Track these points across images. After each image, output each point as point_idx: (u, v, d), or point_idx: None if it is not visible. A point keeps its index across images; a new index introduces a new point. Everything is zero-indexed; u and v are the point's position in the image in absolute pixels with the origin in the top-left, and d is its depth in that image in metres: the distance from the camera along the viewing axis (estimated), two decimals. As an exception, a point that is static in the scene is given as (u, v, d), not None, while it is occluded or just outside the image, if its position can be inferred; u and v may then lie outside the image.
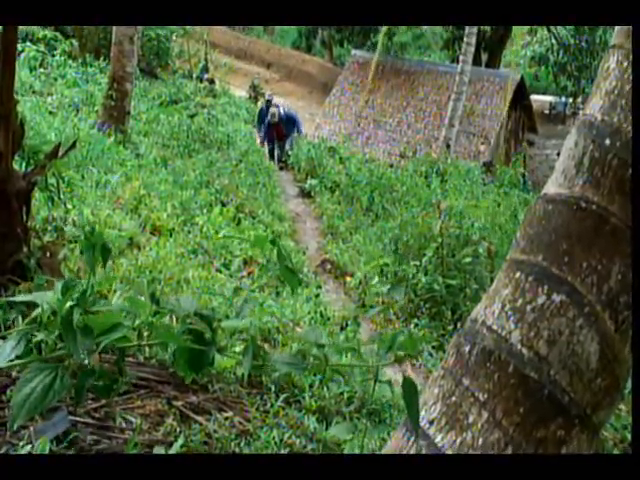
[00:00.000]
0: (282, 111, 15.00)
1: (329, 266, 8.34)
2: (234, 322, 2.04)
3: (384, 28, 21.69)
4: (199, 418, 3.09)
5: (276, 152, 14.93)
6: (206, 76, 20.42)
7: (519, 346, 1.73)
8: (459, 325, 6.44)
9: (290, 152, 14.17)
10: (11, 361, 2.30)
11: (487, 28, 26.34)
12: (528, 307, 1.75)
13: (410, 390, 1.80)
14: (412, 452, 1.81)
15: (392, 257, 7.86)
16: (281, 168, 14.26)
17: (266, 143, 15.07)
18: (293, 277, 2.23)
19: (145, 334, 2.28)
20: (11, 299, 2.88)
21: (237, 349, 3.55)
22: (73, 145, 4.16)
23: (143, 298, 4.57)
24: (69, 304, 1.86)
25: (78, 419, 2.64)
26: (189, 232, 7.22)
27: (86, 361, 2.00)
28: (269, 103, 15.50)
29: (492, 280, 2.02)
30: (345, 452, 3.14)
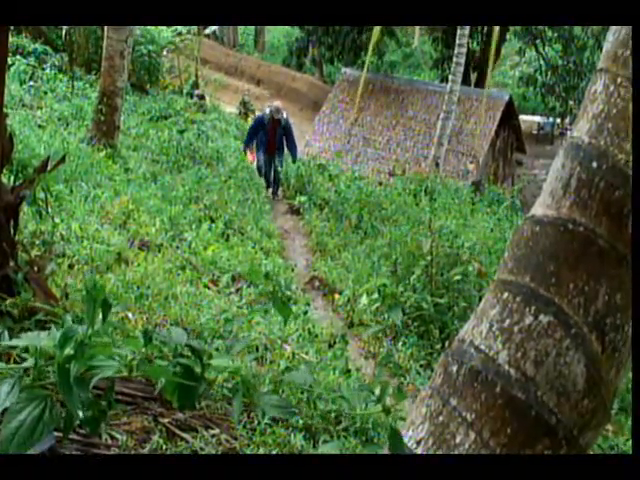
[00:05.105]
0: (285, 115, 12.25)
1: (318, 283, 8.33)
2: (224, 361, 2.02)
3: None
4: (186, 435, 3.08)
5: (264, 169, 12.31)
6: (196, 92, 20.46)
7: (506, 366, 1.73)
8: (447, 343, 6.44)
9: (280, 170, 12.34)
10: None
11: (476, 48, 26.66)
12: (515, 328, 1.76)
13: (396, 441, 1.78)
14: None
15: (384, 276, 7.84)
16: (273, 195, 12.40)
17: (260, 153, 12.22)
18: (285, 309, 2.27)
19: (135, 363, 2.26)
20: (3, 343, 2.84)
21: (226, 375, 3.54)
22: (62, 159, 4.16)
23: (130, 315, 4.58)
24: (66, 354, 1.82)
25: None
26: (177, 248, 7.20)
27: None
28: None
29: (480, 299, 2.02)
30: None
